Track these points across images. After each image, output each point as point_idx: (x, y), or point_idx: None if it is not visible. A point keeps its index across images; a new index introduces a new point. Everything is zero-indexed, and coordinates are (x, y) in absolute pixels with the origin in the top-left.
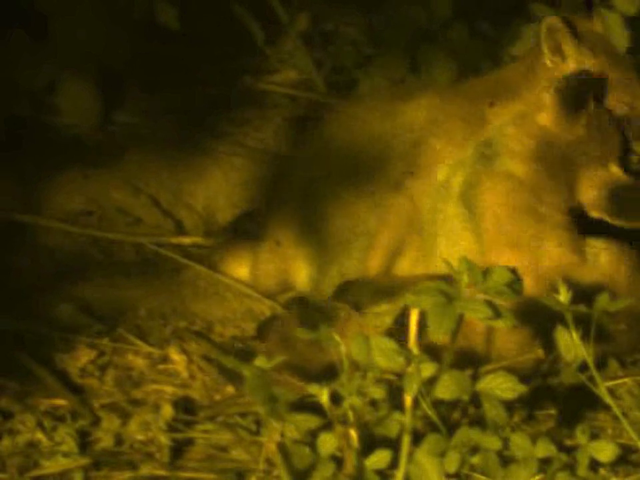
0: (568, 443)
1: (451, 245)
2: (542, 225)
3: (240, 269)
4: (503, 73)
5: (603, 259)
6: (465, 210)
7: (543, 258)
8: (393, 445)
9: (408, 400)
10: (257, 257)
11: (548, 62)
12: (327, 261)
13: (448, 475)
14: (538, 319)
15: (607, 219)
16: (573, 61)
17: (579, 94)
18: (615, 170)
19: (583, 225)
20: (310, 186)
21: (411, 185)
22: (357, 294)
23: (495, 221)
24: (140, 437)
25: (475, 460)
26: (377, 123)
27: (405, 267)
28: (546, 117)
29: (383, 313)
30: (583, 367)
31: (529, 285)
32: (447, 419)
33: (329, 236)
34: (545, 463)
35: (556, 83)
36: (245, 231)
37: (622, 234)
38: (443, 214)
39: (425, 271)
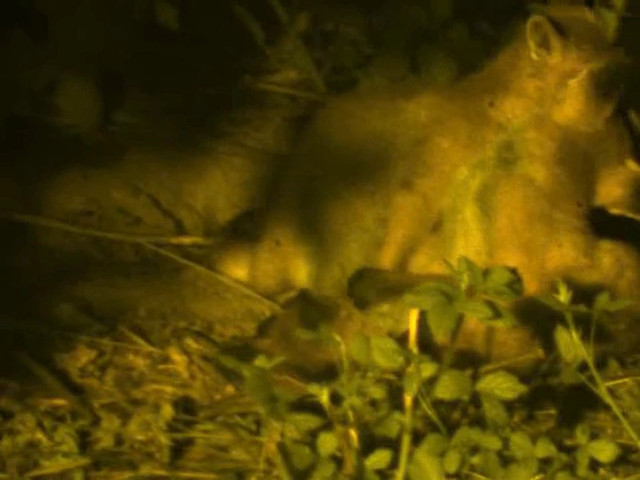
0: (568, 442)
1: (466, 245)
2: (556, 231)
3: (238, 269)
4: (493, 66)
5: (606, 260)
6: (478, 210)
7: (552, 261)
8: (393, 445)
9: (408, 400)
10: (256, 257)
11: (534, 55)
12: (327, 259)
13: (448, 475)
14: (538, 318)
15: (630, 215)
16: (559, 53)
17: (611, 82)
18: (632, 165)
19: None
20: (308, 185)
21: (421, 183)
22: (363, 289)
23: (507, 222)
24: (140, 437)
25: (475, 460)
26: (376, 121)
27: (421, 264)
28: (569, 106)
29: (386, 314)
30: (583, 367)
31: (534, 287)
32: (447, 419)
33: (328, 234)
34: (545, 463)
35: (589, 66)
36: (244, 230)
37: (630, 234)
38: (462, 214)
39: (440, 269)
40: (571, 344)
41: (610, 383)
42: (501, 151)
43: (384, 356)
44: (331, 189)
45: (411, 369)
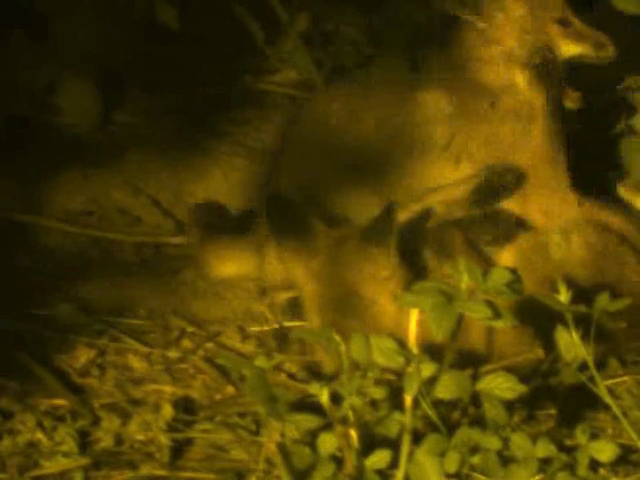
0: (568, 442)
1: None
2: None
3: (224, 267)
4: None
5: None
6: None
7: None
8: (393, 445)
9: (408, 400)
10: (263, 254)
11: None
12: None
13: (448, 475)
14: (538, 318)
15: None
16: None
17: None
18: None
19: None
20: (303, 178)
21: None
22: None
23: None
24: (140, 437)
25: (475, 460)
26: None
27: None
28: None
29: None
30: (583, 367)
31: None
32: (447, 419)
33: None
34: (545, 463)
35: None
36: (247, 228)
37: None
38: None
39: None
40: (571, 344)
41: (610, 382)
42: None
43: (384, 356)
44: (328, 181)
45: (411, 369)
